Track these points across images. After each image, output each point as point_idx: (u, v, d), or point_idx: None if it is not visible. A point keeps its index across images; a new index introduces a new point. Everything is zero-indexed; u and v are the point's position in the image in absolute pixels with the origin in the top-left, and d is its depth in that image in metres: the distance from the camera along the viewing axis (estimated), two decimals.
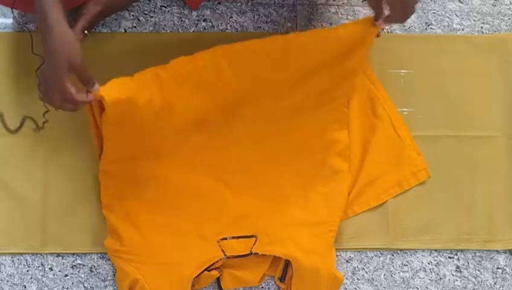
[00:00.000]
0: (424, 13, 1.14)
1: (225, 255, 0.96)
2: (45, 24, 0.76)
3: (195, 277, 0.95)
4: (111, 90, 0.84)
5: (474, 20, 1.15)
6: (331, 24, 1.12)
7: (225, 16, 1.11)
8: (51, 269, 1.00)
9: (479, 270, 1.06)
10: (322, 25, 1.11)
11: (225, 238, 0.97)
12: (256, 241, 0.97)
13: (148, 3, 1.10)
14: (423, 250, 1.05)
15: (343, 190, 1.01)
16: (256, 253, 0.96)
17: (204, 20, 1.10)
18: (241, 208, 0.99)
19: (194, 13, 1.10)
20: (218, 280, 0.99)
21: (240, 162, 1.01)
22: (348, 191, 1.02)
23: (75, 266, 1.00)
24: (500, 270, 1.06)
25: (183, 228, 0.97)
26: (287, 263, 0.98)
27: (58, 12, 0.76)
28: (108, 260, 1.01)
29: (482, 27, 1.15)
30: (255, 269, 0.99)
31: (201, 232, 0.97)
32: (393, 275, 1.04)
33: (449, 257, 1.06)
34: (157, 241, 0.96)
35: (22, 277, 1.00)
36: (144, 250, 0.95)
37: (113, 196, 0.98)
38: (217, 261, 0.96)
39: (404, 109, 1.09)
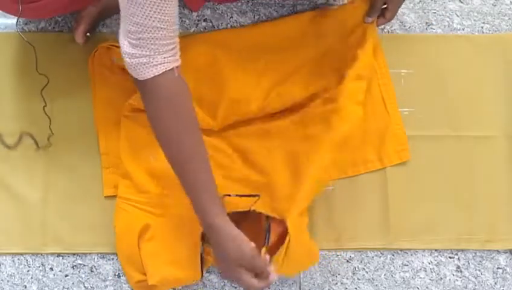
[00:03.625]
0: (425, 13, 1.14)
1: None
2: (221, 236, 0.82)
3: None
4: None
5: (474, 20, 1.15)
6: None
7: (225, 16, 1.11)
8: (51, 269, 1.00)
9: (479, 270, 1.06)
10: None
11: (229, 195, 0.98)
12: (258, 200, 0.99)
13: None
14: (423, 250, 1.05)
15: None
16: (254, 210, 0.97)
17: (205, 20, 1.10)
18: (249, 170, 1.01)
19: (195, 13, 1.10)
20: None
21: (253, 128, 1.04)
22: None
23: (75, 266, 1.00)
24: (500, 270, 1.06)
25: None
26: (269, 227, 0.97)
27: (227, 221, 0.83)
28: (109, 260, 1.01)
29: (482, 27, 1.15)
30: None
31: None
32: (393, 275, 1.04)
33: (449, 257, 1.06)
34: (171, 194, 0.98)
35: (23, 277, 1.00)
36: (158, 201, 0.97)
37: (132, 142, 0.99)
38: None
39: (405, 109, 1.09)
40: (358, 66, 1.02)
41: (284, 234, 0.93)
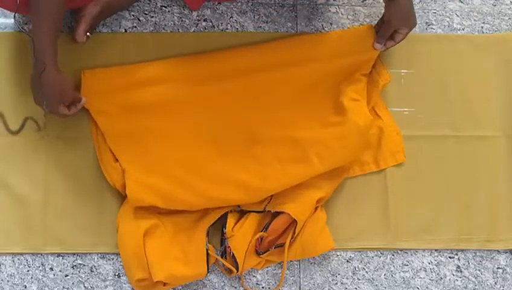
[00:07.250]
0: (425, 13, 1.14)
1: (239, 206, 1.01)
2: (39, 66, 0.88)
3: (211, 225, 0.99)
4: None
5: (474, 20, 1.15)
6: (331, 24, 1.12)
7: (225, 15, 1.11)
8: (51, 269, 1.00)
9: (479, 270, 1.06)
10: (322, 25, 1.11)
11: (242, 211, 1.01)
12: (271, 199, 1.00)
13: (149, 3, 1.10)
14: (424, 250, 1.05)
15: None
16: (269, 211, 0.99)
17: (205, 20, 1.10)
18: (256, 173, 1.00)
19: (195, 13, 1.10)
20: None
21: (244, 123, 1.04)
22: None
23: (75, 266, 1.00)
24: (500, 270, 1.06)
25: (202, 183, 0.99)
26: (271, 220, 0.99)
27: (51, 54, 0.89)
28: (109, 260, 1.01)
29: (482, 27, 1.15)
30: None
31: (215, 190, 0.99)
32: (393, 275, 1.04)
33: (449, 257, 1.06)
34: (179, 192, 0.97)
35: (23, 277, 1.00)
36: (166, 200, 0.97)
37: (121, 142, 1.00)
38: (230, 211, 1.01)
39: (405, 109, 1.09)
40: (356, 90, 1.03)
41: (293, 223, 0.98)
